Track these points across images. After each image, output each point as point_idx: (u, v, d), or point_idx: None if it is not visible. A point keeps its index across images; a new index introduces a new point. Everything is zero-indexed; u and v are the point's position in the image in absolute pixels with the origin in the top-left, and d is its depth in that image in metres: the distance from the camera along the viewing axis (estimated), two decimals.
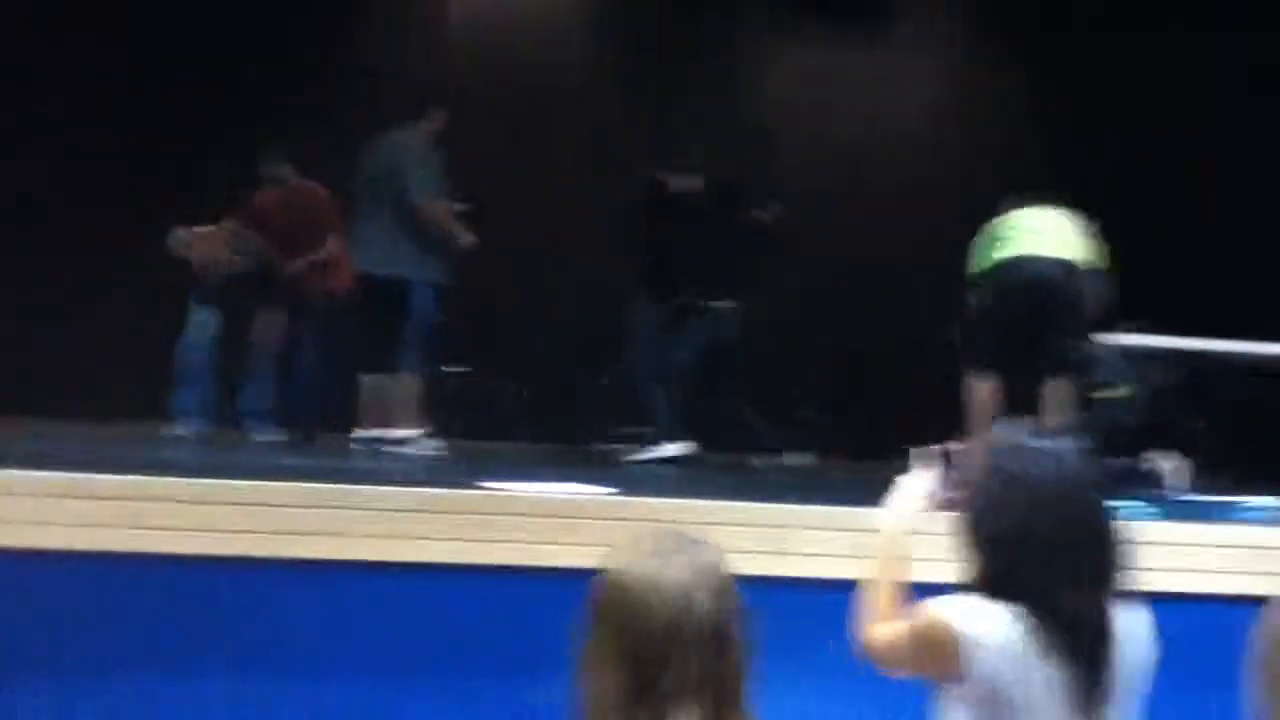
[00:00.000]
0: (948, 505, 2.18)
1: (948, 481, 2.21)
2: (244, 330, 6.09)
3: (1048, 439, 2.01)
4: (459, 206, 5.70)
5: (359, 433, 5.60)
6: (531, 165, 7.69)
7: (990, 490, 1.91)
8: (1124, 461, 4.91)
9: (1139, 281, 5.29)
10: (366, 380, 5.68)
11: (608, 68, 8.27)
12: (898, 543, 2.15)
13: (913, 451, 2.26)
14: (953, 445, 2.29)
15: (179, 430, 5.76)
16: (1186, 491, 4.82)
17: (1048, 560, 1.84)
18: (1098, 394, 5.07)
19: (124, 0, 7.36)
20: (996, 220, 4.81)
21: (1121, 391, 5.18)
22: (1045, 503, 1.86)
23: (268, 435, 5.90)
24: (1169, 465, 4.96)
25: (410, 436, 5.46)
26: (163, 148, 6.94)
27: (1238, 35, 7.54)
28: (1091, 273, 4.71)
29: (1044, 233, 4.72)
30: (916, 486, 2.20)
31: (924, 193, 8.33)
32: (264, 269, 6.08)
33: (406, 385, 5.51)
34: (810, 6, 8.45)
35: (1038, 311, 4.65)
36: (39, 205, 7.08)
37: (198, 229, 6.06)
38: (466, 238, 5.60)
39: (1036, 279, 4.62)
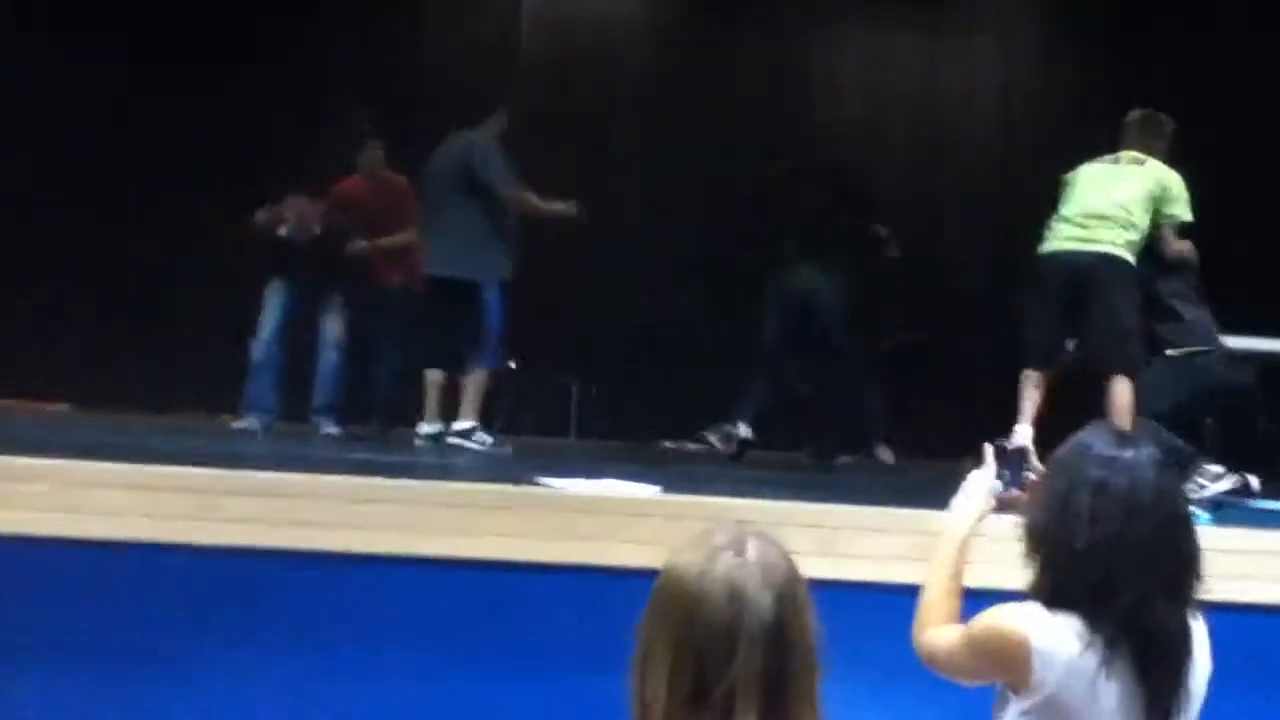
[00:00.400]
0: (1012, 504, 2.16)
1: (1014, 479, 2.18)
2: (316, 321, 6.15)
3: (1130, 445, 1.89)
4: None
5: (425, 428, 5.68)
6: (591, 160, 7.73)
7: (1074, 497, 1.84)
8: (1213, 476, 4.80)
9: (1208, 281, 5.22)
10: (431, 375, 5.75)
11: (670, 57, 8.30)
12: (960, 542, 2.12)
13: (985, 447, 2.22)
14: (1020, 443, 2.24)
15: (246, 423, 5.89)
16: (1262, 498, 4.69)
17: (1140, 570, 1.79)
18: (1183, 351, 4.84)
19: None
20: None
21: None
22: (1140, 513, 1.80)
23: (334, 429, 6.01)
24: (1253, 479, 4.82)
25: (473, 430, 5.54)
26: (242, 145, 7.05)
27: None
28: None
29: (1081, 213, 4.70)
30: (982, 484, 2.18)
31: (995, 183, 8.27)
32: (342, 250, 6.16)
33: (475, 381, 5.58)
34: None
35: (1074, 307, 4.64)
36: (105, 198, 7.27)
37: (292, 199, 6.16)
38: (570, 210, 5.67)
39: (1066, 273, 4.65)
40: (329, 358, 6.13)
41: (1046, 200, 5.10)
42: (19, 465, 3.08)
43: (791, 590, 1.41)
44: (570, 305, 7.64)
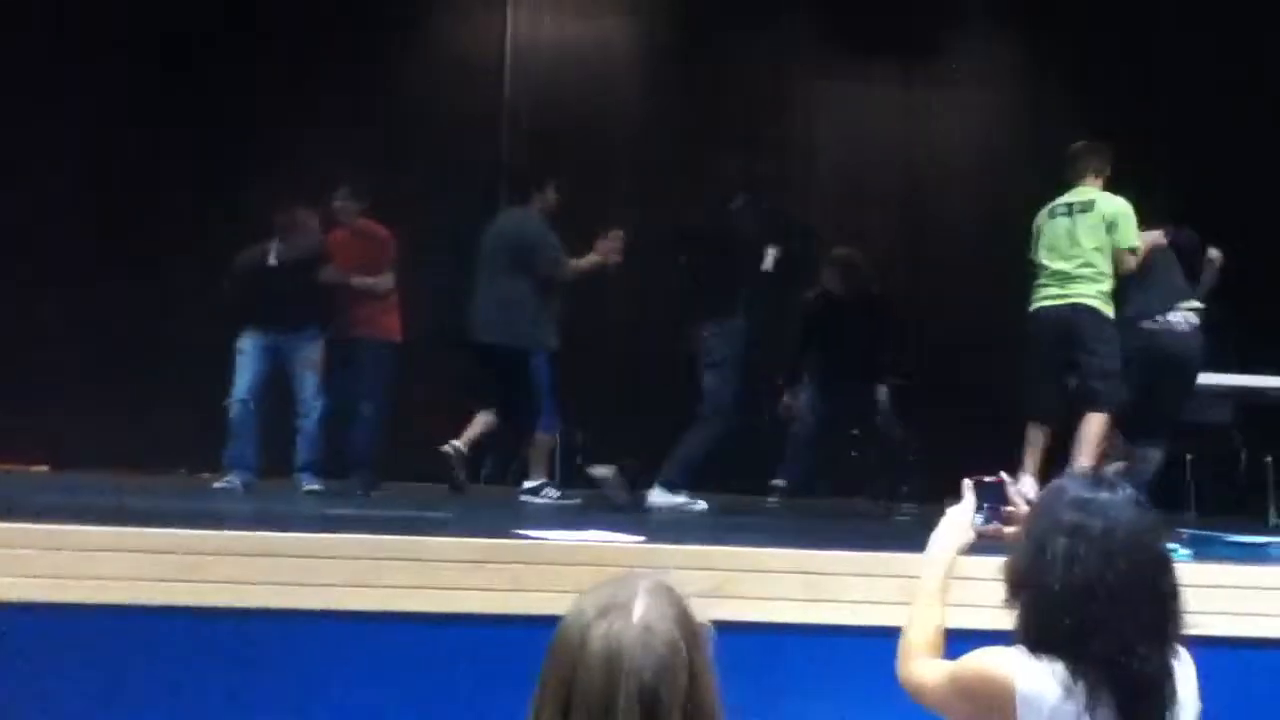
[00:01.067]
0: (992, 537, 2.20)
1: (993, 513, 2.20)
2: (289, 375, 6.13)
3: (1106, 487, 1.90)
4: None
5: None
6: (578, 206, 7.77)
7: (1050, 540, 1.84)
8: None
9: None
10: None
11: (655, 106, 8.38)
12: (942, 574, 2.13)
13: (964, 482, 2.24)
14: (1001, 477, 2.27)
15: (226, 482, 5.86)
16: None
17: (1117, 613, 1.79)
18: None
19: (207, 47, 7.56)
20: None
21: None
22: (1117, 556, 1.81)
23: (317, 485, 5.97)
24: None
25: (542, 487, 5.99)
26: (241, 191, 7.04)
27: None
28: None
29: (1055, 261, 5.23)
30: (964, 517, 2.19)
31: (978, 235, 8.34)
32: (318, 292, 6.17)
33: (540, 443, 6.07)
34: (862, 46, 8.49)
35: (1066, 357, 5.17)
36: (90, 253, 7.26)
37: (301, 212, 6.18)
38: (605, 259, 6.07)
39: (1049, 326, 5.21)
40: (311, 413, 6.09)
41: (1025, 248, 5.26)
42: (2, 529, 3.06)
43: (673, 653, 1.37)
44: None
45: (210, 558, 3.06)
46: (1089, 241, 5.19)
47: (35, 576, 2.98)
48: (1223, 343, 5.64)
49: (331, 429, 6.18)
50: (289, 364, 6.11)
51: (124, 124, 7.39)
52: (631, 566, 3.10)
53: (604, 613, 1.38)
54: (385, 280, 6.28)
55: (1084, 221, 5.23)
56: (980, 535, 2.21)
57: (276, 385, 6.14)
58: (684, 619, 1.40)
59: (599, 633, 1.36)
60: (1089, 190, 5.30)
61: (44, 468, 7.14)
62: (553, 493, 5.95)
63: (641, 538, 3.57)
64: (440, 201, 7.35)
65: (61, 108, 7.25)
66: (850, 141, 8.71)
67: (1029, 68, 8.74)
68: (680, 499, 5.71)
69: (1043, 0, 8.32)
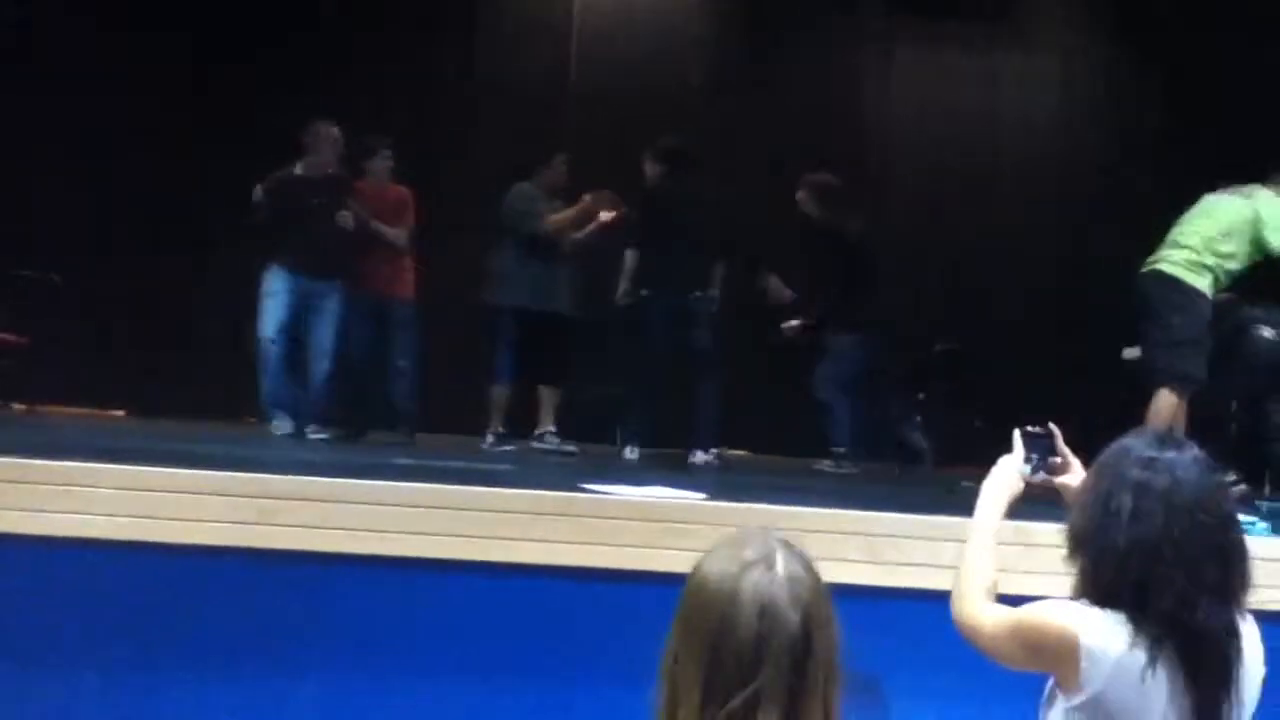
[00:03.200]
0: (1041, 486, 2.23)
1: (1041, 464, 2.22)
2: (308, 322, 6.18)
3: (1171, 446, 1.91)
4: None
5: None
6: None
7: (1105, 497, 1.87)
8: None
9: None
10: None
11: (722, 77, 8.31)
12: (995, 519, 2.16)
13: (1015, 432, 2.26)
14: (1050, 428, 2.28)
15: (277, 426, 5.93)
16: None
17: (1182, 569, 1.80)
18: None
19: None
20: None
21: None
22: (1181, 512, 1.82)
23: (324, 435, 6.05)
24: None
25: (547, 434, 6.32)
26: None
27: None
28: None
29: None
30: (1011, 468, 2.22)
31: (1053, 203, 8.20)
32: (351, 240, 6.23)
33: (494, 394, 6.37)
34: (933, 10, 8.34)
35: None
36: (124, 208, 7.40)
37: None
38: (606, 216, 6.29)
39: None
40: (321, 367, 6.15)
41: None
42: (81, 469, 3.16)
43: (816, 604, 1.42)
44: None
45: (293, 502, 3.13)
46: (1216, 220, 4.89)
47: (106, 515, 3.07)
48: None
49: (344, 382, 6.24)
50: (312, 312, 6.15)
51: (186, 94, 7.50)
52: (696, 524, 3.15)
53: (748, 566, 1.42)
54: (403, 234, 6.36)
55: (1232, 204, 4.91)
56: (1029, 484, 2.23)
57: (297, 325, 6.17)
58: (819, 577, 1.46)
59: (748, 584, 1.41)
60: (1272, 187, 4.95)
61: (120, 413, 7.34)
62: (490, 439, 6.26)
63: (703, 495, 3.59)
64: (504, 167, 7.37)
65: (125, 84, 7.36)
66: (921, 109, 8.57)
67: (1107, 34, 8.50)
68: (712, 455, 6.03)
69: None
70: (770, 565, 1.42)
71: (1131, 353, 5.48)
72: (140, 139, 7.40)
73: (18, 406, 6.74)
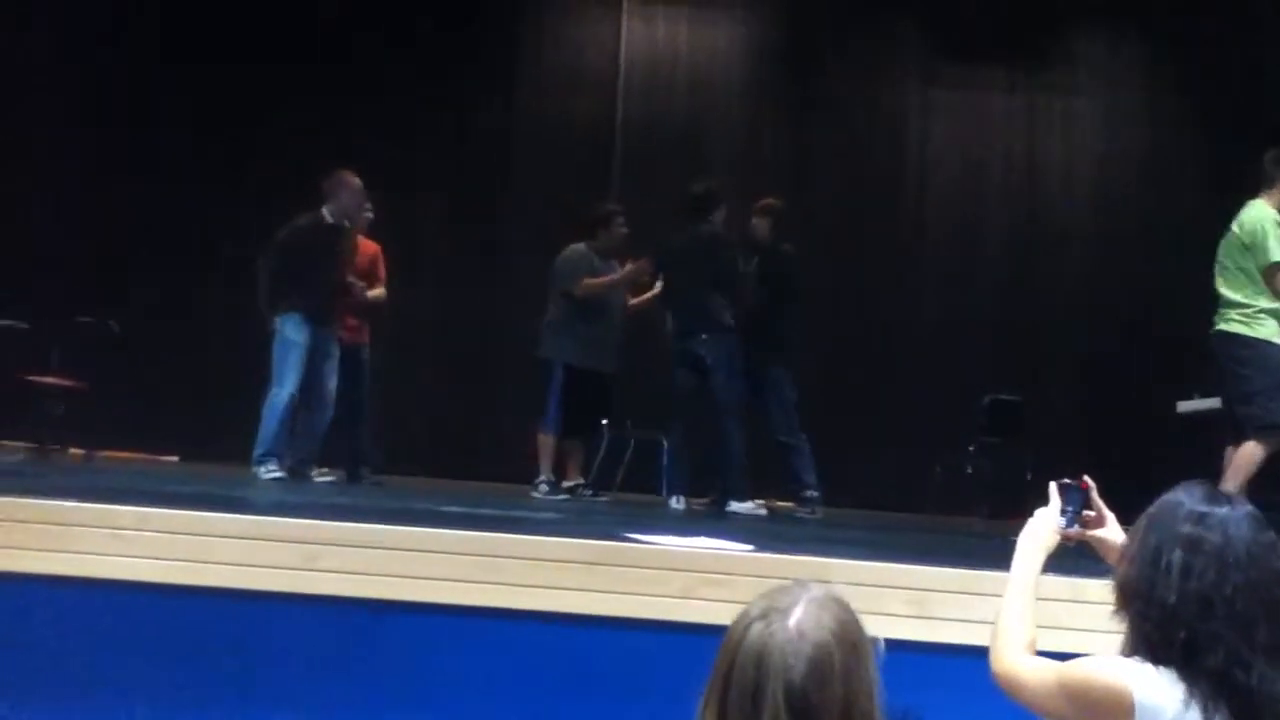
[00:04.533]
0: (1074, 539, 2.21)
1: (1075, 517, 2.21)
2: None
3: (1223, 502, 1.88)
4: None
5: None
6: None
7: (1154, 552, 1.85)
8: None
9: None
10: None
11: (763, 120, 8.37)
12: (1034, 572, 2.15)
13: (1051, 485, 2.25)
14: (1085, 481, 2.25)
15: (267, 472, 5.91)
16: None
17: (1234, 628, 1.77)
18: None
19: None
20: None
21: None
22: (1234, 569, 1.80)
23: (328, 475, 6.17)
24: None
25: (540, 482, 6.42)
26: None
27: None
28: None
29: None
30: (1048, 520, 2.20)
31: (1093, 245, 8.15)
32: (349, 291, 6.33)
33: (540, 442, 6.53)
34: (970, 51, 8.36)
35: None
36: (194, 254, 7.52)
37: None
38: (639, 271, 6.54)
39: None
40: (327, 414, 6.20)
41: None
42: (127, 513, 3.21)
43: (829, 656, 1.40)
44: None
45: (326, 548, 3.16)
46: (1229, 260, 5.00)
47: (147, 558, 3.10)
48: None
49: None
50: (321, 360, 6.17)
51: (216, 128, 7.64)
52: (738, 575, 3.14)
53: (764, 615, 1.44)
54: (370, 295, 6.51)
55: (1230, 239, 5.03)
56: (1065, 538, 2.22)
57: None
58: (845, 630, 1.44)
59: (754, 633, 1.42)
60: (1249, 204, 5.04)
61: (173, 458, 7.45)
62: (543, 488, 6.39)
63: (751, 547, 3.57)
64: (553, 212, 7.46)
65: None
66: (958, 149, 8.57)
67: (1143, 71, 8.47)
68: (750, 505, 6.06)
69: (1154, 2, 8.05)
70: (785, 616, 1.42)
71: (1187, 406, 5.41)
72: (192, 182, 7.57)
73: (75, 451, 6.87)
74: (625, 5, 8.62)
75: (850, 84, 8.37)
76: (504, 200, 7.94)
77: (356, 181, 6.32)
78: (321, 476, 6.20)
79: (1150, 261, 7.38)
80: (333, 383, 6.20)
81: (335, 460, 6.45)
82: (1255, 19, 7.72)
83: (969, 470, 7.40)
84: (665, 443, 6.71)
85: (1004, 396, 7.52)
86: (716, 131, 8.35)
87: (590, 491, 6.55)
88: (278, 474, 5.91)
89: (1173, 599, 1.80)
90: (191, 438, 7.32)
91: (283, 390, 5.98)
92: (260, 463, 5.91)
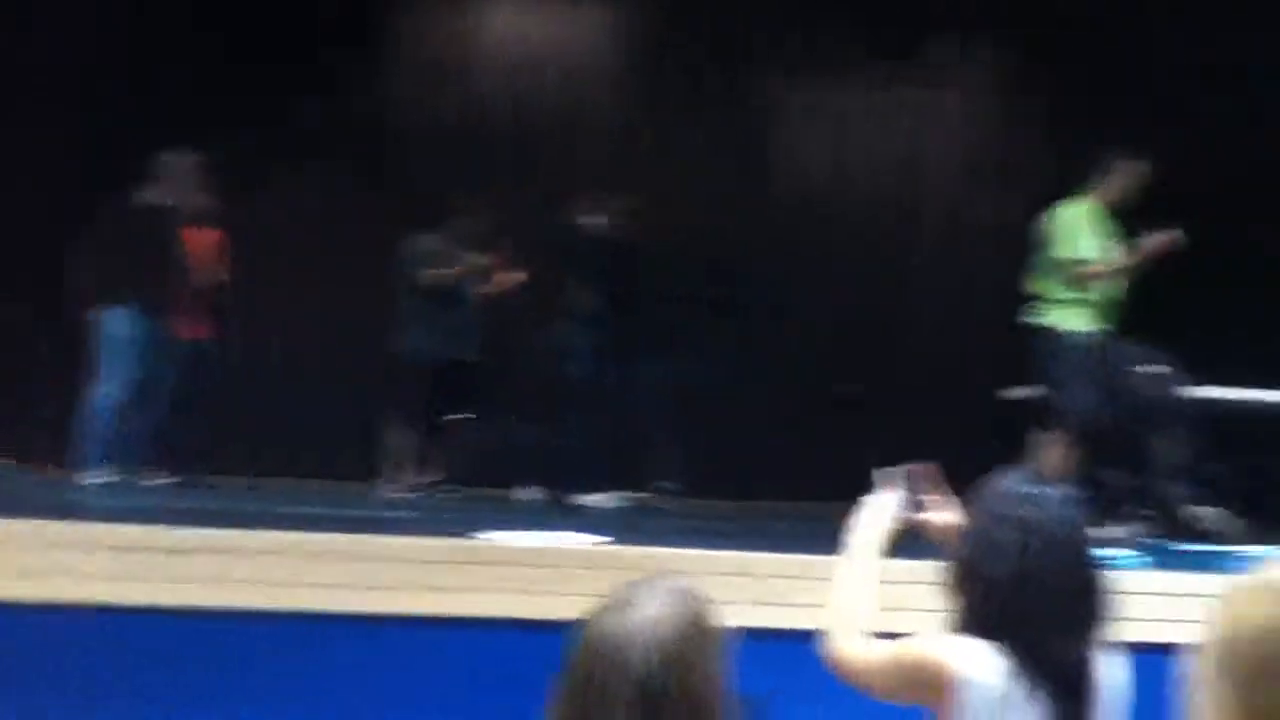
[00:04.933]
0: (909, 525, 2.27)
1: (908, 502, 2.27)
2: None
3: (1044, 484, 2.00)
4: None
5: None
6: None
7: (985, 533, 1.94)
8: (1175, 507, 5.02)
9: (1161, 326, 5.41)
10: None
11: (632, 115, 8.38)
12: (870, 557, 2.21)
13: (876, 473, 2.32)
14: (914, 467, 2.33)
15: (97, 475, 5.54)
16: (1232, 541, 4.73)
17: (1040, 604, 1.87)
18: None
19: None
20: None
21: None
22: (1041, 547, 1.89)
23: (159, 479, 5.85)
24: (1213, 514, 4.94)
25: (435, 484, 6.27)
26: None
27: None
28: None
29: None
30: (881, 506, 2.27)
31: (957, 238, 8.41)
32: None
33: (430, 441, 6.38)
34: (842, 47, 8.52)
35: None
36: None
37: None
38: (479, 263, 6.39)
39: None
40: (162, 412, 5.91)
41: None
42: None
43: (680, 647, 1.41)
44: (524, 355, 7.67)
45: (186, 555, 3.06)
46: (1042, 254, 5.19)
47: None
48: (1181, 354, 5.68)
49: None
50: (152, 354, 5.79)
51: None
52: (594, 569, 3.15)
53: (615, 608, 1.44)
54: (204, 281, 6.17)
55: (1044, 234, 5.22)
56: (904, 522, 2.29)
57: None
58: (694, 621, 1.45)
59: (603, 626, 1.42)
60: (1068, 201, 5.26)
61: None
62: (396, 486, 6.20)
63: (609, 539, 3.59)
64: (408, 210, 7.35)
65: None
66: (828, 145, 8.74)
67: (1009, 73, 8.78)
68: (603, 497, 6.05)
69: (1023, 6, 8.34)
70: (636, 608, 1.43)
71: (1014, 393, 5.65)
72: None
73: None
74: None
75: (718, 79, 8.44)
76: (368, 191, 7.75)
77: (186, 162, 5.98)
78: (155, 480, 5.88)
79: (1002, 257, 7.54)
80: (167, 378, 5.92)
81: (167, 462, 6.08)
82: (1111, 24, 8.08)
83: (816, 458, 7.57)
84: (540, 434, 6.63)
85: (854, 385, 7.72)
86: (586, 123, 8.31)
87: (448, 488, 6.43)
88: (104, 478, 5.55)
89: (995, 576, 1.90)
90: (13, 439, 6.89)
91: (107, 388, 5.62)
92: (85, 466, 5.55)
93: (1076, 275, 5.10)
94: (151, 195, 5.86)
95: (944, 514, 2.26)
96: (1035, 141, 8.27)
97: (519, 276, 6.45)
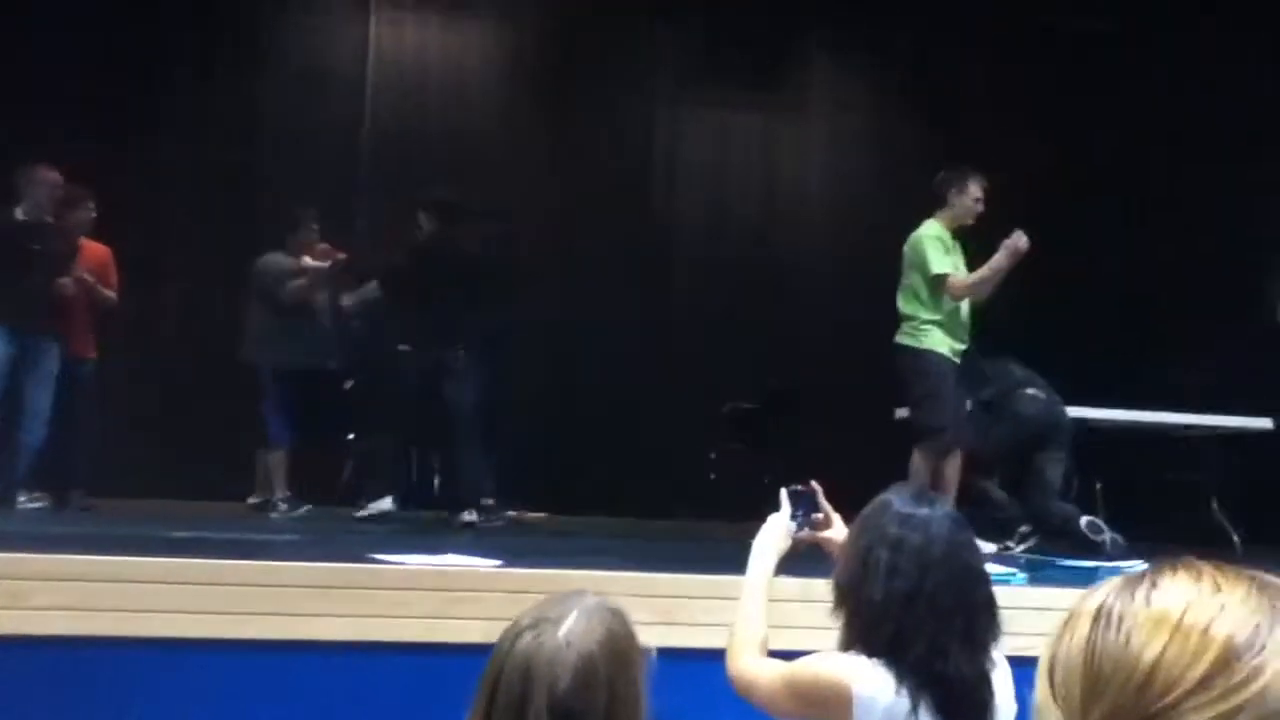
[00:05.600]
0: (806, 542, 2.32)
1: (805, 520, 2.31)
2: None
3: (926, 503, 2.03)
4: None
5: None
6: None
7: (868, 551, 1.96)
8: (1060, 523, 5.13)
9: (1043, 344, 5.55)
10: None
11: (512, 135, 8.35)
12: (765, 576, 2.23)
13: (781, 491, 2.34)
14: (812, 485, 2.35)
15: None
16: (1116, 556, 4.81)
17: (934, 621, 1.89)
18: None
19: None
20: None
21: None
22: (934, 567, 1.92)
23: (35, 501, 5.73)
24: (1097, 529, 5.05)
25: (265, 501, 6.26)
26: None
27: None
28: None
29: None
30: (780, 525, 2.30)
31: (829, 257, 8.56)
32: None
33: (266, 457, 6.37)
34: (717, 70, 8.63)
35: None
36: None
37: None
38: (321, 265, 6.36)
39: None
40: (39, 432, 5.73)
41: (881, 274, 5.42)
42: None
43: (595, 667, 1.39)
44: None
45: (39, 583, 2.92)
46: (904, 275, 5.32)
47: None
48: (1058, 372, 5.86)
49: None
50: (27, 372, 5.69)
51: None
52: (488, 591, 3.10)
53: (533, 625, 1.41)
54: (112, 296, 6.10)
55: (905, 256, 5.34)
56: (796, 541, 2.32)
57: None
58: (614, 640, 1.43)
59: (522, 644, 1.39)
60: (923, 224, 5.38)
61: None
62: (282, 506, 6.14)
63: (499, 562, 3.55)
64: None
65: None
66: (707, 166, 8.86)
67: (880, 98, 9.01)
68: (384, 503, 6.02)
69: (891, 32, 8.58)
70: (554, 626, 1.41)
71: (902, 413, 5.77)
72: None
73: None
74: (373, 5, 8.42)
75: (599, 95, 8.47)
76: (242, 202, 7.57)
77: (52, 175, 5.83)
78: (31, 502, 5.69)
79: (880, 276, 7.69)
80: (43, 397, 5.70)
81: (43, 484, 5.89)
82: (980, 47, 8.35)
83: (712, 476, 7.63)
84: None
85: (744, 405, 7.80)
86: (467, 137, 8.25)
87: (288, 506, 6.17)
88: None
89: (879, 595, 1.92)
90: None
91: None
92: None
93: (953, 289, 5.20)
94: (21, 210, 5.73)
95: (835, 531, 2.29)
96: (904, 163, 8.54)
97: (338, 255, 6.45)
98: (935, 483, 4.95)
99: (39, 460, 5.81)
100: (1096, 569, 4.44)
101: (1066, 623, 1.01)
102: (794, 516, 2.30)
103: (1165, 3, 8.00)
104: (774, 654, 2.11)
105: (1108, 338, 7.70)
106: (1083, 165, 8.10)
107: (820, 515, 2.33)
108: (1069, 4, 8.28)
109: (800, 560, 2.36)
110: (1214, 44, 7.55)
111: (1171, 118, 7.76)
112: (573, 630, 1.41)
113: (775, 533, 2.29)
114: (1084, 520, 5.05)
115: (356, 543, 4.39)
